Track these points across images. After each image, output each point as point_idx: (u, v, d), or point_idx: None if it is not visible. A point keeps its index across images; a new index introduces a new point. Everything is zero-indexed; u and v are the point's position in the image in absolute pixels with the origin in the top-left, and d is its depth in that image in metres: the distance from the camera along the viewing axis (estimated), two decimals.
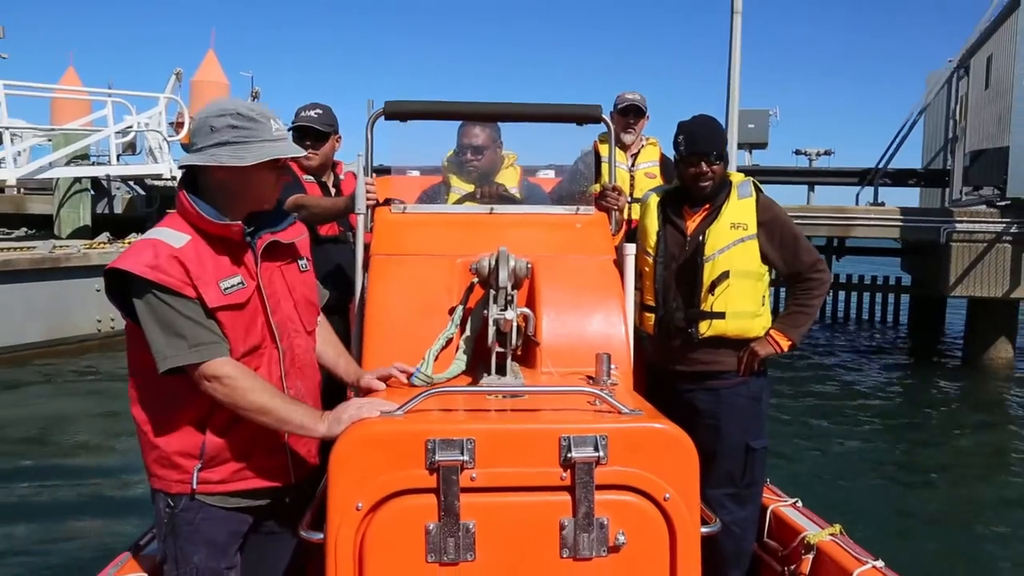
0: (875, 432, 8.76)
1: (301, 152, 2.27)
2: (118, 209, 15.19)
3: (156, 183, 15.57)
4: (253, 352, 2.25)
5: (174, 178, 14.07)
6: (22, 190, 15.38)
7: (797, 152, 20.35)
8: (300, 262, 2.44)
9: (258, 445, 2.27)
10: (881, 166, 14.71)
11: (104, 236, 13.44)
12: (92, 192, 14.78)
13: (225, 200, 2.22)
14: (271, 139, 2.19)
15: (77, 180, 14.43)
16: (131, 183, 15.60)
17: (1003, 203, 10.94)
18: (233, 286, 2.19)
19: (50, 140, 14.77)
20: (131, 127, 15.53)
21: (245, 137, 2.17)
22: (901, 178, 15.34)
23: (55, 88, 17.02)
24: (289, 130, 3.76)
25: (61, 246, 12.07)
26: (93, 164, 15.34)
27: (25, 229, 14.09)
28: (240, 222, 2.22)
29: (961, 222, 10.99)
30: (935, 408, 10.08)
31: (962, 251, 10.93)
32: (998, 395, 10.65)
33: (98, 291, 9.64)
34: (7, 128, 13.21)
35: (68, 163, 14.24)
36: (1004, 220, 10.76)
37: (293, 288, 2.39)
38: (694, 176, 3.21)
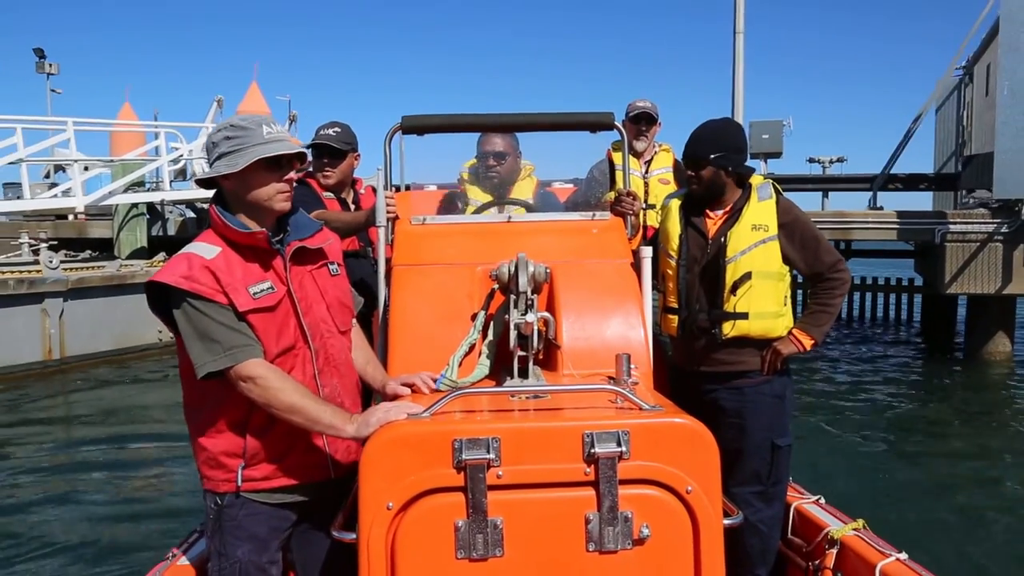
0: (889, 426, 8.91)
1: (294, 149, 2.35)
2: (171, 231, 16.46)
3: (205, 206, 16.10)
4: (287, 352, 2.34)
5: None
6: (83, 216, 16.64)
7: (811, 160, 20.78)
8: (331, 267, 2.54)
9: (297, 443, 2.36)
10: (883, 172, 14.97)
11: (162, 255, 14.51)
12: (148, 216, 16.07)
13: (242, 208, 2.35)
14: (262, 142, 2.30)
15: (134, 205, 15.74)
16: (183, 206, 16.95)
17: (995, 205, 11.48)
18: (262, 291, 2.29)
19: (109, 169, 16.18)
20: (181, 155, 16.80)
21: (238, 145, 2.29)
22: (912, 183, 15.73)
23: (114, 123, 18.79)
24: (307, 147, 3.84)
25: (126, 265, 13.49)
26: (148, 190, 16.78)
27: (89, 252, 15.12)
28: (264, 230, 2.33)
29: (955, 223, 11.53)
30: (939, 400, 10.42)
31: (956, 251, 11.56)
32: (998, 386, 10.90)
33: None
34: (77, 160, 14.79)
35: (126, 190, 15.56)
36: (995, 221, 11.27)
37: (325, 291, 2.47)
38: (688, 179, 3.30)
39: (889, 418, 9.28)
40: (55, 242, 14.60)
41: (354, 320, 2.66)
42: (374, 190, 3.91)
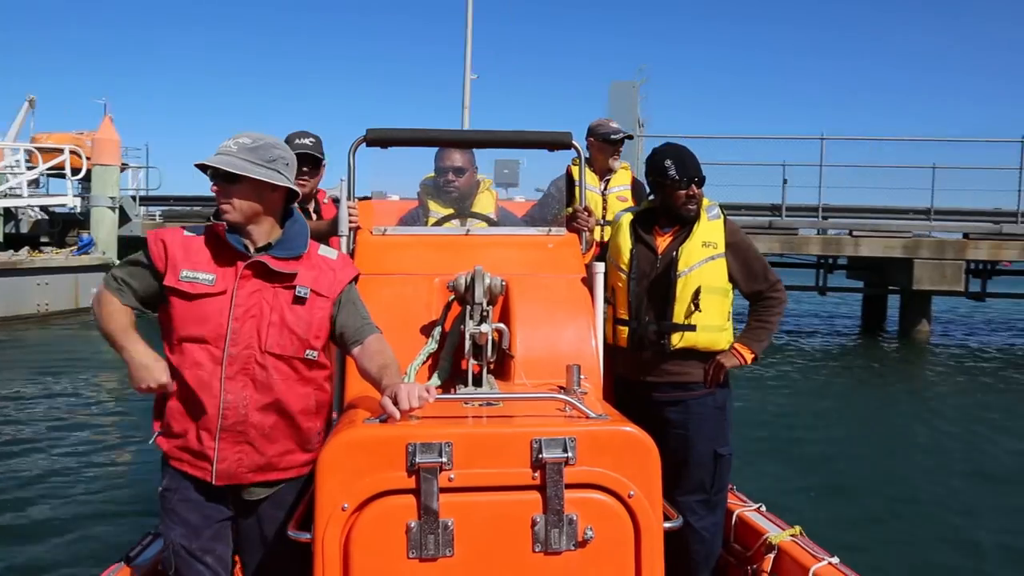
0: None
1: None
2: (24, 229, 21.23)
3: (58, 210, 20.99)
4: (196, 342, 2.44)
5: (74, 208, 20.31)
6: None
7: (538, 190, 23.74)
8: (299, 290, 2.49)
9: (191, 428, 2.47)
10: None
11: (26, 249, 18.07)
12: (2, 216, 20.28)
13: None
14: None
15: None
16: (38, 209, 21.40)
17: None
18: (195, 278, 2.44)
19: None
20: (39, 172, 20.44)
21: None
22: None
23: None
24: None
25: (16, 255, 17.60)
26: (5, 196, 20.19)
27: None
28: (222, 223, 2.46)
29: None
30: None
31: None
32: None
33: (37, 285, 16.50)
34: None
35: None
36: None
37: (274, 309, 2.46)
38: (687, 198, 3.38)
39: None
40: None
41: (373, 337, 2.59)
42: (335, 201, 3.97)
